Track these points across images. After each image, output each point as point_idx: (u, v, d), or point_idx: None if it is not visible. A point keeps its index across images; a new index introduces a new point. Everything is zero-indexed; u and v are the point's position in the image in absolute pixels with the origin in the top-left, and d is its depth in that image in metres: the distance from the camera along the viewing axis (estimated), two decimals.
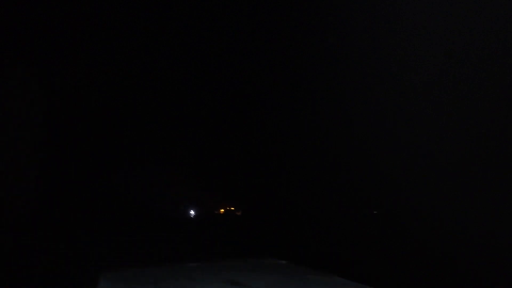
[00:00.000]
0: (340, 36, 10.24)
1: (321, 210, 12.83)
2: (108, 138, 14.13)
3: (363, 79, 10.39)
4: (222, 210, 18.59)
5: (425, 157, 9.72)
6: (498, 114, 8.60)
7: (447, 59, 9.13)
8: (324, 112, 12.17)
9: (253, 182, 15.84)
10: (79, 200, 13.03)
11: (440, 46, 9.22)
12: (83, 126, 13.34)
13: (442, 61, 9.20)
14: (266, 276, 2.72)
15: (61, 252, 8.86)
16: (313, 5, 10.76)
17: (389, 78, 9.97)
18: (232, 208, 18.29)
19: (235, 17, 12.20)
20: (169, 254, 9.62)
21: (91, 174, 13.71)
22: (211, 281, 2.56)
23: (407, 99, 9.80)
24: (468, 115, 9.09)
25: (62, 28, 12.59)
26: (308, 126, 13.21)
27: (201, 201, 17.99)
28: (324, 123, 12.46)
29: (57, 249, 9.31)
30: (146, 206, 14.90)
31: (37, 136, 12.13)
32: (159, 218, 14.96)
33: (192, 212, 17.90)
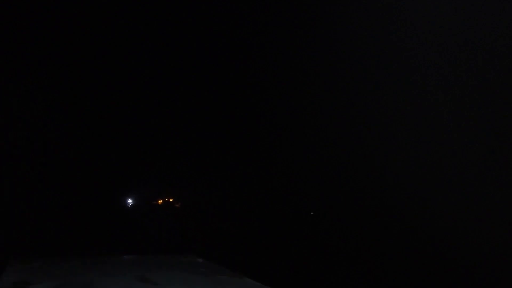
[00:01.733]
0: (346, 36, 10.25)
1: (254, 209, 12.82)
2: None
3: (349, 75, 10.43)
4: (161, 201, 18.16)
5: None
6: (498, 114, 8.61)
7: (448, 60, 9.14)
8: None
9: (195, 174, 15.59)
10: None
11: (440, 47, 9.23)
12: None
13: (443, 62, 9.20)
14: (178, 273, 2.70)
15: None
16: (313, 5, 10.76)
17: (382, 77, 10.00)
18: (171, 200, 17.94)
19: (235, 16, 12.21)
20: (87, 245, 9.59)
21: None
22: (121, 276, 2.52)
23: (387, 94, 9.83)
24: (466, 115, 9.11)
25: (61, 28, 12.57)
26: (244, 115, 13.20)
27: (139, 191, 17.36)
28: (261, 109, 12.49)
29: None
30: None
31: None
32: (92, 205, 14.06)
33: (129, 201, 17.23)
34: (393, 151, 10.11)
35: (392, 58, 9.80)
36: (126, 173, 15.80)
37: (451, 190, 9.05)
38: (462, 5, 8.56)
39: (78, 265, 2.88)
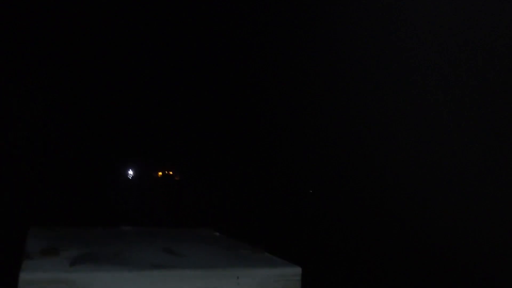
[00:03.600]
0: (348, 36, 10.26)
1: (261, 185, 12.78)
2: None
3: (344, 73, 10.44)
4: (160, 173, 17.94)
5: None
6: (498, 114, 8.60)
7: (448, 60, 9.14)
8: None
9: (195, 146, 15.49)
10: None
11: (440, 47, 9.22)
12: None
13: (443, 62, 9.20)
14: (200, 246, 2.76)
15: None
16: (313, 5, 10.76)
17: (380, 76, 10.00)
18: (171, 172, 17.99)
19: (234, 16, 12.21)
20: (103, 216, 9.66)
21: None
22: (145, 247, 2.57)
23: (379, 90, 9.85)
24: (466, 115, 9.11)
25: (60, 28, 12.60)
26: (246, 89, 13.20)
27: (138, 163, 17.20)
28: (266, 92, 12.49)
29: None
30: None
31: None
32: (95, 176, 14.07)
33: (130, 172, 17.13)
34: (393, 151, 10.12)
35: (392, 58, 9.80)
36: (127, 144, 15.79)
37: (451, 190, 9.06)
38: (462, 5, 8.55)
39: (101, 234, 2.93)
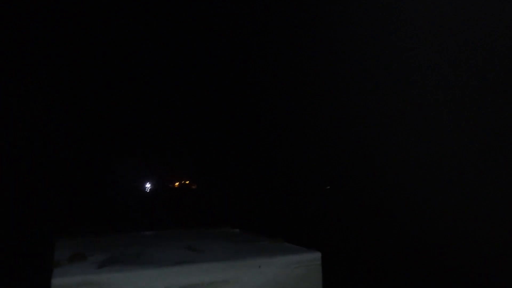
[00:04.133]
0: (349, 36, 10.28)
1: (274, 183, 12.87)
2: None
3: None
4: (177, 183, 18.39)
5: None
6: (498, 114, 8.61)
7: (448, 60, 9.15)
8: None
9: (208, 155, 15.75)
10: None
11: (440, 47, 9.24)
12: None
13: (443, 62, 9.22)
14: (220, 242, 2.86)
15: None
16: (313, 5, 10.78)
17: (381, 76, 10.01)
18: (187, 182, 18.12)
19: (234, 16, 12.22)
20: (123, 225, 9.92)
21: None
22: (166, 247, 2.68)
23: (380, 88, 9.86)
24: (466, 115, 9.12)
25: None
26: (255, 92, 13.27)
27: (155, 175, 17.69)
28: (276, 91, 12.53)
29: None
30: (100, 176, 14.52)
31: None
32: (114, 191, 14.51)
33: (148, 185, 17.61)
34: (393, 151, 10.12)
35: (392, 58, 9.81)
36: (142, 156, 16.19)
37: (451, 189, 9.06)
38: (462, 5, 8.57)
39: (123, 239, 3.04)
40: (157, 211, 13.26)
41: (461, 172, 8.92)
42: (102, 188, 13.89)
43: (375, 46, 10.00)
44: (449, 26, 8.86)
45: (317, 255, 2.47)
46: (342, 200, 11.06)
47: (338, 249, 7.05)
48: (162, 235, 3.38)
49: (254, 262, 2.35)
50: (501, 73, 8.45)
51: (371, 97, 10.25)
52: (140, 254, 2.44)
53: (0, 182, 11.07)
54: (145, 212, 12.91)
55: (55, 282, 1.96)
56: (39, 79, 12.47)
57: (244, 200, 12.75)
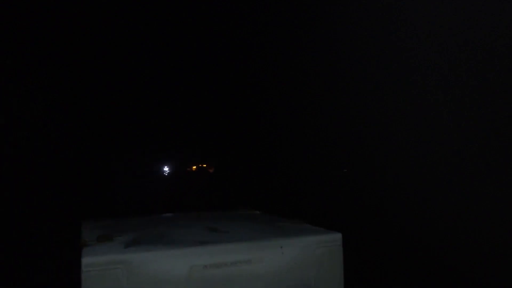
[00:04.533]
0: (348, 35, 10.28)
1: (293, 166, 12.85)
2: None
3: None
4: (194, 167, 18.54)
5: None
6: (498, 114, 8.62)
7: (448, 60, 9.16)
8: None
9: (225, 139, 15.82)
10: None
11: (440, 47, 9.25)
12: None
13: (443, 62, 9.23)
14: (242, 223, 2.94)
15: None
16: (313, 5, 10.79)
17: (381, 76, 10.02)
18: (204, 165, 18.19)
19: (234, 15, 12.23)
20: (147, 207, 10.25)
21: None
22: (189, 228, 2.75)
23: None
24: (466, 115, 9.12)
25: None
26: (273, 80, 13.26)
27: (173, 158, 17.95)
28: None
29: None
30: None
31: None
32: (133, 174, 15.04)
33: (166, 168, 17.88)
34: (392, 151, 10.13)
35: (392, 58, 9.82)
36: (160, 140, 16.52)
37: (451, 190, 9.06)
38: (462, 5, 8.58)
39: (147, 221, 3.13)
40: (175, 195, 13.45)
41: (461, 172, 8.91)
42: (123, 173, 14.40)
43: (375, 46, 10.02)
44: (449, 26, 8.87)
45: (338, 235, 2.54)
46: (360, 183, 10.96)
47: (358, 230, 7.08)
48: (183, 217, 3.48)
49: (276, 242, 2.40)
50: (501, 73, 8.45)
51: (371, 97, 10.27)
52: (164, 235, 2.51)
53: (28, 168, 11.47)
54: (164, 195, 13.10)
55: (85, 261, 2.04)
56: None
57: (262, 182, 12.80)
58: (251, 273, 2.28)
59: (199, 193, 13.77)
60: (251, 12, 12.05)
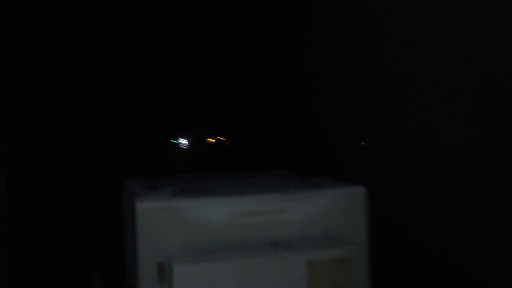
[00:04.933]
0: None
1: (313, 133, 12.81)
2: None
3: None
4: (213, 140, 18.77)
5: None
6: (498, 114, 8.61)
7: (448, 60, 9.16)
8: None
9: (243, 111, 15.85)
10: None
11: (440, 47, 9.25)
12: None
13: (443, 62, 9.23)
14: (272, 180, 3.27)
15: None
16: (313, 5, 10.80)
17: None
18: (223, 138, 18.33)
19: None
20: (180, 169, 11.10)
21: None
22: (227, 183, 3.07)
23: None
24: (466, 115, 9.12)
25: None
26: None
27: (190, 130, 18.22)
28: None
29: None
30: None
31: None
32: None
33: (183, 141, 18.19)
34: (392, 151, 10.13)
35: (392, 58, 9.83)
36: (178, 112, 16.90)
37: (451, 190, 9.06)
38: (462, 5, 8.58)
39: (187, 178, 3.40)
40: (194, 167, 13.89)
41: (461, 171, 8.91)
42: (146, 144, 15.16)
43: (375, 46, 10.02)
44: (449, 26, 8.87)
45: (362, 189, 2.82)
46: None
47: (384, 187, 7.14)
48: (219, 176, 3.83)
49: (305, 194, 2.70)
50: (501, 73, 8.46)
51: (370, 97, 10.26)
52: (205, 187, 2.81)
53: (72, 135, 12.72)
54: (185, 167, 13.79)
55: (140, 206, 2.32)
56: None
57: (284, 145, 12.85)
58: (284, 221, 2.53)
59: (222, 164, 14.19)
60: None
